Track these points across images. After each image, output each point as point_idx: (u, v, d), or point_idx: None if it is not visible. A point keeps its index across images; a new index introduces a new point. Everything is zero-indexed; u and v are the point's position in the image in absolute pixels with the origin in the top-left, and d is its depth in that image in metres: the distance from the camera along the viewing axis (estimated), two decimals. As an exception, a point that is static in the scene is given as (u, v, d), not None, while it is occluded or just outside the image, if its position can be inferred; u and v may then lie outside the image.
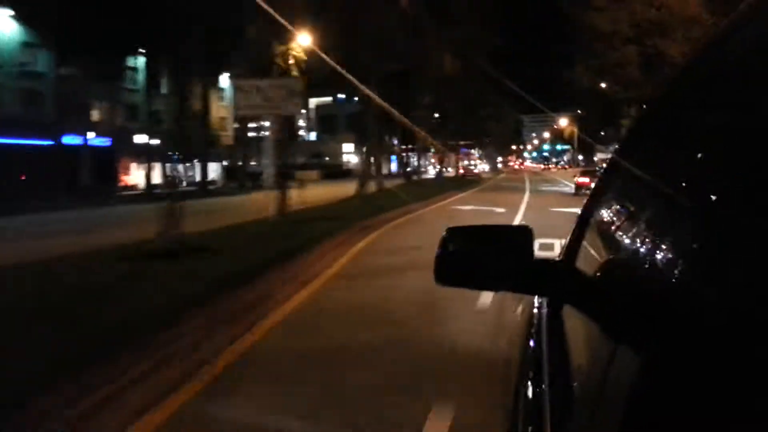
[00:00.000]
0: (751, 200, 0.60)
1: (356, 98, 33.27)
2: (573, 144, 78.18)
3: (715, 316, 0.56)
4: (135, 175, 39.93)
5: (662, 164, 1.02)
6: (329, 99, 76.04)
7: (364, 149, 30.56)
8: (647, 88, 19.16)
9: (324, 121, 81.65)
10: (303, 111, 78.92)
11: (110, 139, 37.06)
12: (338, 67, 18.39)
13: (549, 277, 1.07)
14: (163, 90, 32.07)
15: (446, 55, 28.87)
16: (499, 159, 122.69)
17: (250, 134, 51.53)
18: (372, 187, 26.22)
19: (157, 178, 34.82)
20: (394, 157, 55.88)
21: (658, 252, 0.78)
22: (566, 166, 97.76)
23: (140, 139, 38.55)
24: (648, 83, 19.18)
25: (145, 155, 37.04)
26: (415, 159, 64.18)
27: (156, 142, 35.49)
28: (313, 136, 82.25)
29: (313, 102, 78.11)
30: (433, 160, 70.13)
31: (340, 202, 21.14)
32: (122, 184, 38.66)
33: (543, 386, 1.12)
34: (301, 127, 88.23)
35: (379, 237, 12.66)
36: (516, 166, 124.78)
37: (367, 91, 24.26)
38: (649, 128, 1.26)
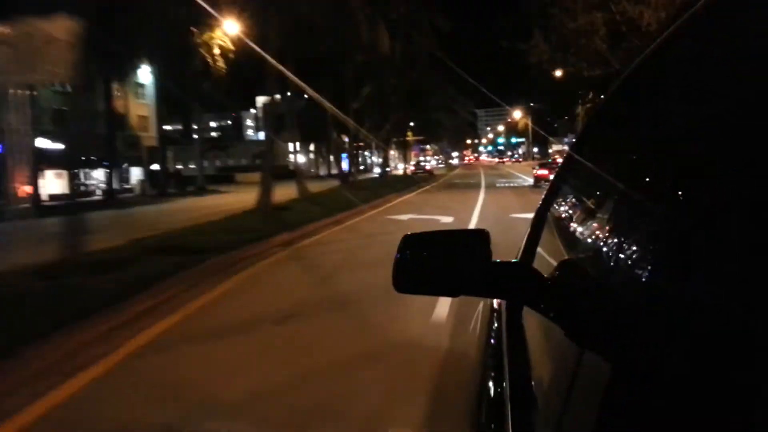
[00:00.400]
0: (710, 196, 0.61)
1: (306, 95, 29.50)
2: (527, 137, 75.90)
3: (678, 314, 0.58)
4: (46, 184, 35.21)
5: (619, 159, 1.07)
6: (278, 96, 71.95)
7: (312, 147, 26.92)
8: (615, 64, 16.05)
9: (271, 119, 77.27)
10: (252, 110, 75.00)
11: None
12: (266, 55, 15.22)
13: (506, 280, 1.05)
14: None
15: (381, 35, 25.03)
16: (455, 154, 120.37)
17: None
18: (294, 192, 22.09)
19: (62, 187, 30.48)
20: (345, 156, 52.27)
21: (615, 250, 0.80)
22: (520, 159, 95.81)
23: (44, 143, 33.85)
24: (616, 58, 16.06)
25: (47, 162, 32.40)
26: (371, 157, 61.21)
27: (61, 146, 31.14)
28: (261, 135, 78.05)
29: (260, 100, 73.93)
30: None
31: (228, 219, 14.25)
32: (22, 195, 33.92)
33: (504, 385, 1.19)
34: (249, 127, 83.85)
35: (230, 294, 7.08)
36: (471, 161, 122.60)
37: (299, 82, 20.83)
38: (605, 122, 1.33)
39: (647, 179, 0.82)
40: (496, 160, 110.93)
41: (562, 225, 1.33)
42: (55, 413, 3.63)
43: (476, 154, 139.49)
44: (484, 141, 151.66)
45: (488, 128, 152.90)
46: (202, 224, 13.13)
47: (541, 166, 29.55)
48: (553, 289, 0.95)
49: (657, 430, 0.54)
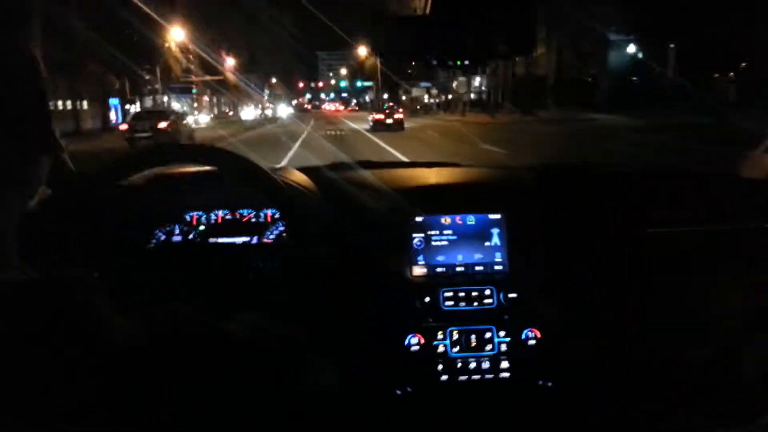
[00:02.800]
0: None
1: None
2: (376, 81, 61.77)
3: None
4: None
5: None
6: None
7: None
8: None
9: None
10: None
11: None
12: None
13: None
14: None
15: None
16: (293, 102, 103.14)
17: None
18: None
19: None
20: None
21: None
22: (356, 108, 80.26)
23: None
24: None
25: None
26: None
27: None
28: None
29: None
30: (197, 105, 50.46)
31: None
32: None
33: None
34: None
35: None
36: (309, 107, 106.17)
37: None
38: None
39: None
40: (334, 107, 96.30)
41: None
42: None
43: (316, 102, 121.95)
44: (320, 85, 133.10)
45: (330, 74, 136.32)
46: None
47: (378, 111, 28.38)
48: None
49: None
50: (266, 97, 78.90)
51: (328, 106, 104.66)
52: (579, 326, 1.53)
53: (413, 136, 21.86)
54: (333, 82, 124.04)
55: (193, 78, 53.02)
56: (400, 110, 28.64)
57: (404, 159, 10.99)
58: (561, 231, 1.58)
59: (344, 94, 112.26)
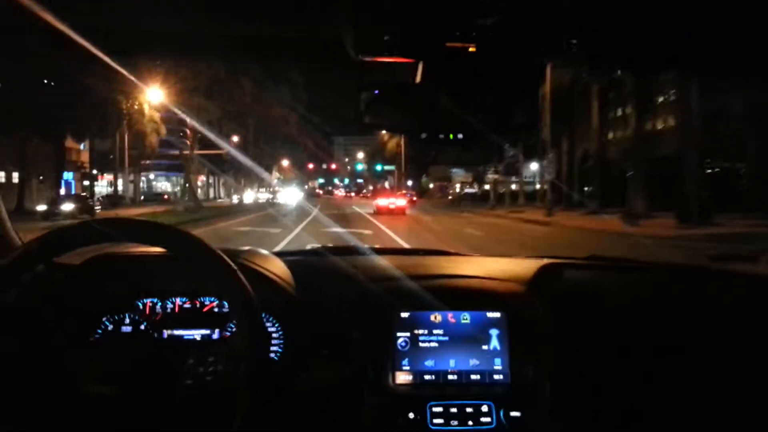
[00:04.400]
0: None
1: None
2: (399, 163, 53.01)
3: None
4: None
5: None
6: None
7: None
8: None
9: None
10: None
11: None
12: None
13: None
14: None
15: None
16: (306, 186, 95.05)
17: None
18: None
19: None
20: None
21: None
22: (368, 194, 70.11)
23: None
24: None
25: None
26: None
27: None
28: None
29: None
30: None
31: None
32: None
33: None
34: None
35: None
36: (320, 194, 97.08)
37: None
38: None
39: None
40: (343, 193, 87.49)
41: None
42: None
43: (329, 187, 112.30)
44: (334, 167, 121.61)
45: (347, 158, 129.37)
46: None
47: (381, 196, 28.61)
48: None
49: None
50: (275, 181, 70.78)
51: (339, 192, 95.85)
52: None
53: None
54: (349, 167, 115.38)
55: (186, 153, 44.66)
56: (405, 196, 29.99)
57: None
58: (571, 334, 1.35)
59: (360, 180, 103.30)
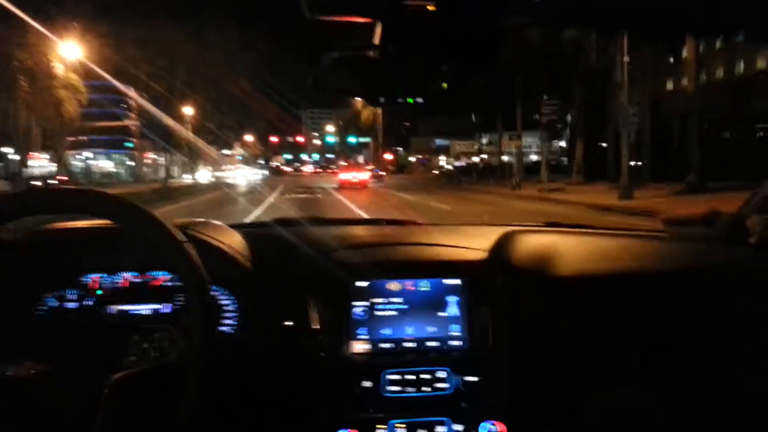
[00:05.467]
0: None
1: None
2: (376, 135, 47.25)
3: None
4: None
5: None
6: None
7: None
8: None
9: None
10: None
11: None
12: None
13: None
14: None
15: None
16: (275, 163, 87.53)
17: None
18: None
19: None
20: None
21: None
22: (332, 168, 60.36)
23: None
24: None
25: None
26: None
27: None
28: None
29: None
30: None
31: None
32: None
33: None
34: None
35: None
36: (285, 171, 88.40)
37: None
38: None
39: None
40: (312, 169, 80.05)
41: None
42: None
43: (296, 162, 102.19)
44: (302, 140, 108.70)
45: (316, 133, 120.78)
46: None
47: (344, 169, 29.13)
48: None
49: None
50: (239, 157, 64.35)
51: (308, 168, 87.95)
52: (554, 417, 1.32)
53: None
54: (319, 141, 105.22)
55: (127, 124, 38.48)
56: (371, 170, 31.20)
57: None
58: (529, 300, 1.39)
59: (330, 155, 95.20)
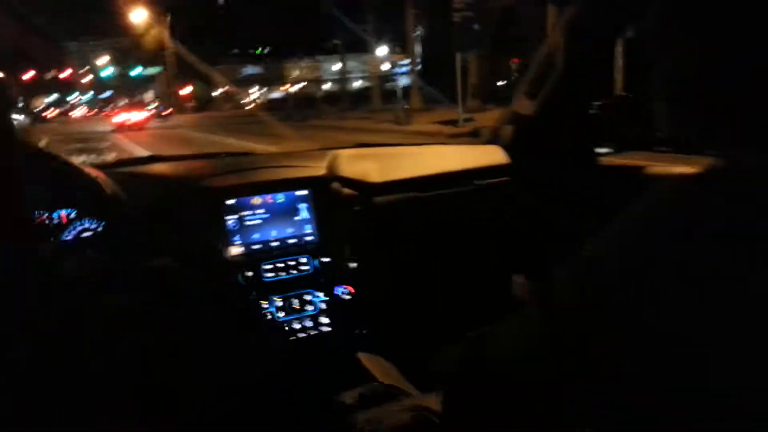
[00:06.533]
0: None
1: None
2: (166, 62, 38.52)
3: None
4: None
5: None
6: None
7: None
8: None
9: None
10: None
11: None
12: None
13: None
14: None
15: None
16: (38, 108, 69.72)
17: None
18: None
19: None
20: None
21: None
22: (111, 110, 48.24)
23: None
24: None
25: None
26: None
27: None
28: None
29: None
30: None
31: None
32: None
33: None
34: None
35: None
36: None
37: None
38: None
39: None
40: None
41: None
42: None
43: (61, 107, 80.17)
44: (68, 75, 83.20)
45: (87, 67, 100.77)
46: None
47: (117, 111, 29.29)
48: None
49: None
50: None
51: (77, 113, 71.44)
52: (386, 281, 1.79)
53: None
54: (92, 76, 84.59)
55: None
56: (150, 110, 31.47)
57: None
58: (358, 200, 1.76)
59: (109, 92, 78.09)
